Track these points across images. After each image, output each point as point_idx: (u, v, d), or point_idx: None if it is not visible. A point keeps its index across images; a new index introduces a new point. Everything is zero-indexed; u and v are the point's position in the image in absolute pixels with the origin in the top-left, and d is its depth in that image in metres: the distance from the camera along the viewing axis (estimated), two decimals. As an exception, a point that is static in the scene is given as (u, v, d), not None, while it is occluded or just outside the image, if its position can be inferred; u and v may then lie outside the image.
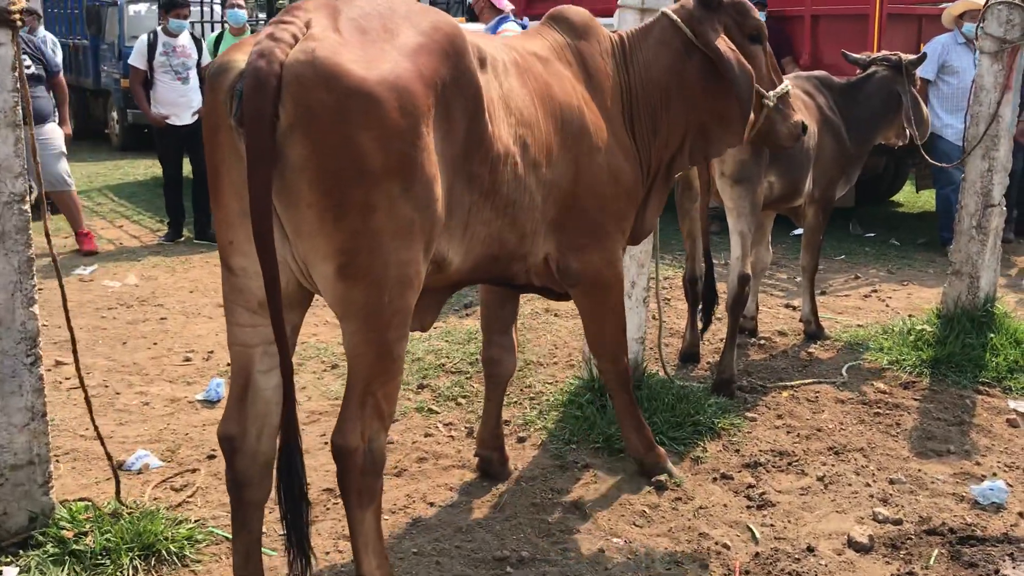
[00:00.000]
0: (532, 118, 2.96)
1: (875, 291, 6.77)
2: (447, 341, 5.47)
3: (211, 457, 3.99)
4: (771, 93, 3.58)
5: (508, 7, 6.45)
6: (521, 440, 4.18)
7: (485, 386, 3.83)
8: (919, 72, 7.46)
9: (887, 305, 6.43)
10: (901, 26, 8.11)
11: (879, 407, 4.60)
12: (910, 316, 5.90)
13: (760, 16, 3.60)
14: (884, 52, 5.60)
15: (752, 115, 3.48)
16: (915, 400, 4.69)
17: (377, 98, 2.31)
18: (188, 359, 5.27)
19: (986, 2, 4.92)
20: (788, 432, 4.31)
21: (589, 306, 3.48)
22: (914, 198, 10.47)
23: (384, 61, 2.39)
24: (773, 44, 8.23)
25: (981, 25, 4.94)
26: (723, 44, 3.37)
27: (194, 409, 4.57)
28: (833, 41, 8.11)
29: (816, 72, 5.54)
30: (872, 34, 7.76)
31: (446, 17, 2.72)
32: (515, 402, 4.61)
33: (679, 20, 3.44)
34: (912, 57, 5.42)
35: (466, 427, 4.32)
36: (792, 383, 4.89)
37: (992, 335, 5.15)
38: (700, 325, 5.03)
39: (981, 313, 5.26)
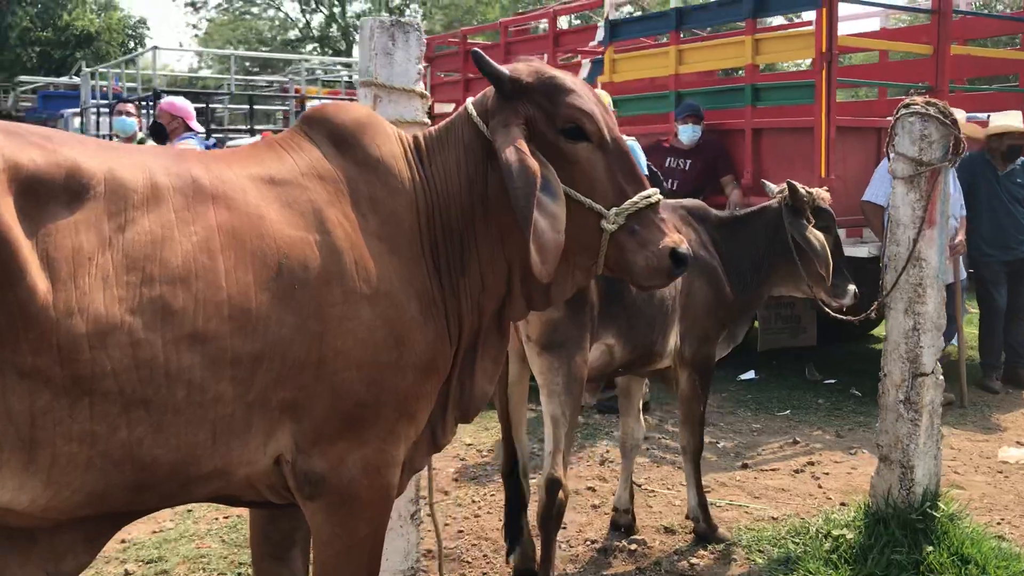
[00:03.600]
0: (197, 268, 2.04)
1: (811, 463, 5.45)
2: (223, 540, 4.25)
3: None
4: (613, 210, 2.40)
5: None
6: None
7: None
8: (867, 196, 6.37)
9: (820, 486, 5.10)
10: (856, 140, 7.00)
11: (754, 666, 3.28)
12: (840, 505, 4.61)
13: (610, 105, 2.45)
14: (788, 184, 4.43)
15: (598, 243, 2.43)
16: (809, 653, 3.37)
17: None
18: None
19: (895, 114, 3.77)
20: None
21: (328, 532, 2.31)
22: (896, 332, 9.17)
23: None
24: (711, 161, 7.32)
25: (892, 144, 3.79)
26: (508, 139, 2.31)
27: None
28: (779, 158, 7.04)
29: (687, 201, 4.40)
30: (819, 150, 6.65)
31: None
32: (249, 649, 3.35)
33: (475, 115, 2.42)
34: (802, 192, 4.23)
35: None
36: (647, 620, 3.58)
37: (929, 548, 3.83)
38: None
39: (917, 516, 3.95)
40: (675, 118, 7.30)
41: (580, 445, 5.72)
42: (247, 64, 28.68)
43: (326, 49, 37.19)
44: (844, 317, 4.30)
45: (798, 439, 5.89)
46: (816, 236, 4.22)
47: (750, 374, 7.39)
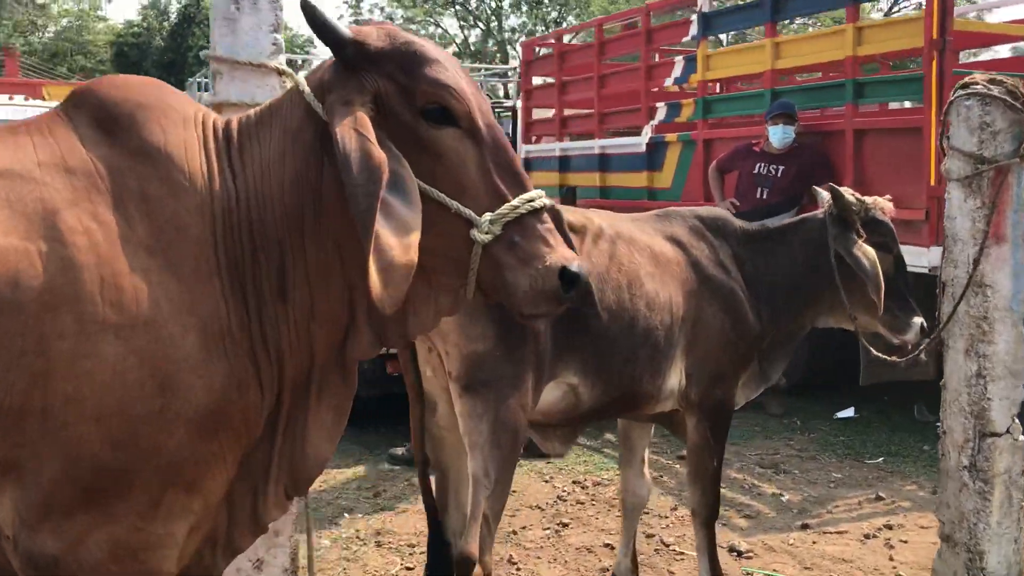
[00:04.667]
0: None
1: (890, 527, 4.53)
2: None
3: None
4: (487, 217, 1.83)
5: None
6: None
7: None
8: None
9: (892, 558, 4.19)
10: (977, 142, 5.94)
11: None
12: (908, 587, 3.73)
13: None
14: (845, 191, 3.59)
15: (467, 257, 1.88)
16: None
17: None
18: None
19: (951, 96, 2.93)
20: None
21: None
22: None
23: None
24: (806, 167, 6.41)
25: (945, 136, 2.95)
26: (347, 120, 1.75)
27: None
28: (884, 163, 6.06)
29: (702, 208, 3.62)
30: (928, 153, 5.66)
31: None
32: None
33: (308, 90, 1.87)
34: (849, 200, 3.41)
35: None
36: None
37: (998, 662, 2.95)
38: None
39: (987, 617, 3.07)
40: (765, 119, 6.46)
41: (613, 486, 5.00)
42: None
43: (482, 65, 37.49)
44: (888, 358, 3.44)
45: (883, 494, 4.95)
46: (866, 254, 3.38)
47: (848, 412, 6.43)
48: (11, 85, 14.62)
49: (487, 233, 1.83)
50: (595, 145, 8.71)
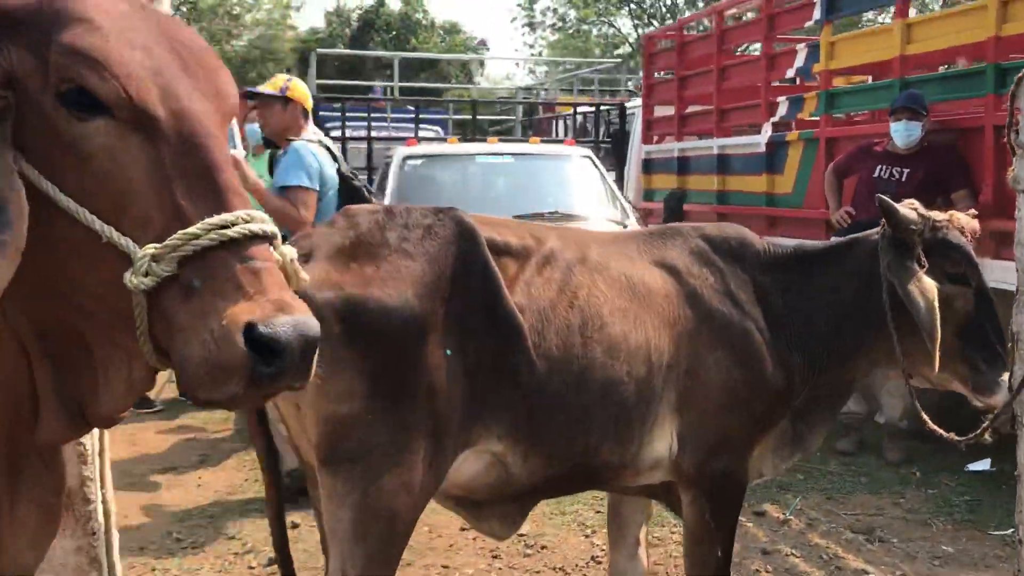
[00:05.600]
0: None
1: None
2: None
3: None
4: (148, 249, 1.25)
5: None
6: None
7: None
8: None
9: (989, 674, 3.27)
10: None
11: None
12: None
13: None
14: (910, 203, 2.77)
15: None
16: None
17: None
18: None
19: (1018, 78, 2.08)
20: None
21: None
22: None
23: None
24: (937, 170, 5.38)
25: (1013, 129, 2.10)
26: None
27: None
28: (1032, 165, 4.98)
29: (709, 225, 2.82)
30: (1086, 153, 4.56)
31: None
32: None
33: None
34: (905, 216, 2.59)
35: None
36: None
37: None
38: None
39: None
40: (889, 114, 5.49)
41: (662, 547, 4.24)
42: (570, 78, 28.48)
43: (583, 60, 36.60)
44: (946, 434, 2.56)
45: (996, 581, 3.97)
46: (924, 290, 2.53)
47: (983, 464, 5.34)
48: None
49: (145, 274, 1.24)
50: (713, 145, 7.88)
